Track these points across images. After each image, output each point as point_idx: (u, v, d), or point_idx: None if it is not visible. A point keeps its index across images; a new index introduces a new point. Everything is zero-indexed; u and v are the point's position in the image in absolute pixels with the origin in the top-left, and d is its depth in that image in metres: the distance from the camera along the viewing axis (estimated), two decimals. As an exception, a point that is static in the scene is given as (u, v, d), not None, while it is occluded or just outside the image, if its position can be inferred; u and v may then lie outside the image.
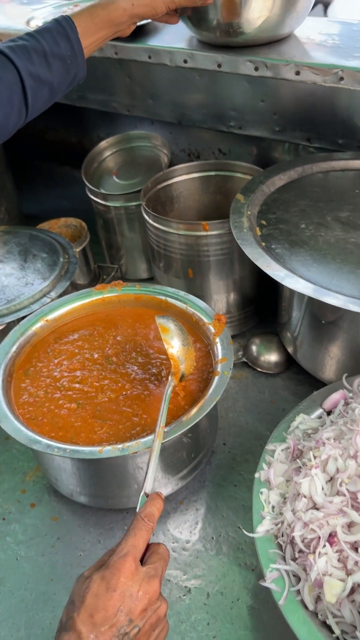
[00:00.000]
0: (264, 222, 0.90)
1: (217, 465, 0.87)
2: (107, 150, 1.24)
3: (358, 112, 1.06)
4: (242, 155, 1.27)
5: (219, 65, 0.98)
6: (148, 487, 0.61)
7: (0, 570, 0.77)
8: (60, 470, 0.78)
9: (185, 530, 0.79)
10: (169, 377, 0.74)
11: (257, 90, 1.15)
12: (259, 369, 1.02)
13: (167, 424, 0.69)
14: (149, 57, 1.04)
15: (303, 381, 0.98)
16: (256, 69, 0.95)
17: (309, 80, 0.92)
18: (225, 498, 0.82)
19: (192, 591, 0.73)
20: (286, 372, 1.01)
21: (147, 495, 0.60)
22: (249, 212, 0.90)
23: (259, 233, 0.87)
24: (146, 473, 0.62)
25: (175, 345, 0.75)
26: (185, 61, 1.01)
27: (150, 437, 0.68)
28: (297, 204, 0.94)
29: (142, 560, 0.56)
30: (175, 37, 1.06)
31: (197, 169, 1.12)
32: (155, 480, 0.76)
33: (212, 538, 0.78)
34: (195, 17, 0.96)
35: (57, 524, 0.81)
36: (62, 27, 0.82)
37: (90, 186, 1.15)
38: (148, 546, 0.58)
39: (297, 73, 0.92)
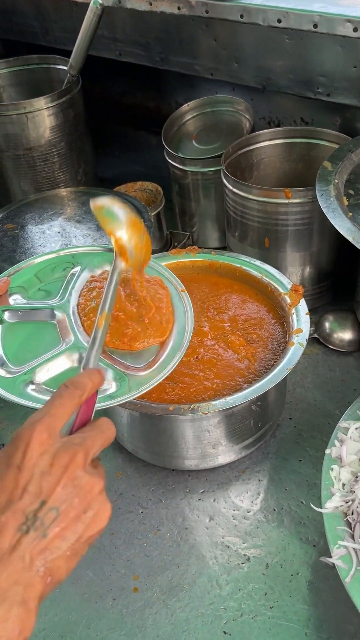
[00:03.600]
0: (351, 192, 0.86)
1: (282, 439, 0.85)
2: (188, 113, 1.21)
3: None
4: (325, 124, 1.21)
5: (315, 26, 0.93)
6: (90, 363, 0.52)
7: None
8: (127, 426, 0.79)
9: (247, 500, 0.79)
10: (114, 261, 0.64)
11: (350, 55, 1.09)
12: (331, 347, 0.98)
13: (237, 390, 0.68)
14: (241, 17, 1.00)
15: (377, 362, 0.94)
16: (355, 29, 0.90)
17: None
18: (289, 472, 0.81)
19: (251, 560, 0.72)
20: None
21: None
22: (336, 181, 0.86)
23: (346, 203, 0.84)
24: (89, 348, 0.54)
25: (117, 218, 0.66)
26: (279, 20, 0.97)
27: (221, 400, 0.67)
28: (387, 176, 0.89)
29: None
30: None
31: (281, 135, 1.08)
32: (220, 446, 0.76)
33: (274, 510, 0.77)
34: None
35: (121, 480, 0.83)
36: None
37: (169, 149, 1.13)
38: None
39: None
